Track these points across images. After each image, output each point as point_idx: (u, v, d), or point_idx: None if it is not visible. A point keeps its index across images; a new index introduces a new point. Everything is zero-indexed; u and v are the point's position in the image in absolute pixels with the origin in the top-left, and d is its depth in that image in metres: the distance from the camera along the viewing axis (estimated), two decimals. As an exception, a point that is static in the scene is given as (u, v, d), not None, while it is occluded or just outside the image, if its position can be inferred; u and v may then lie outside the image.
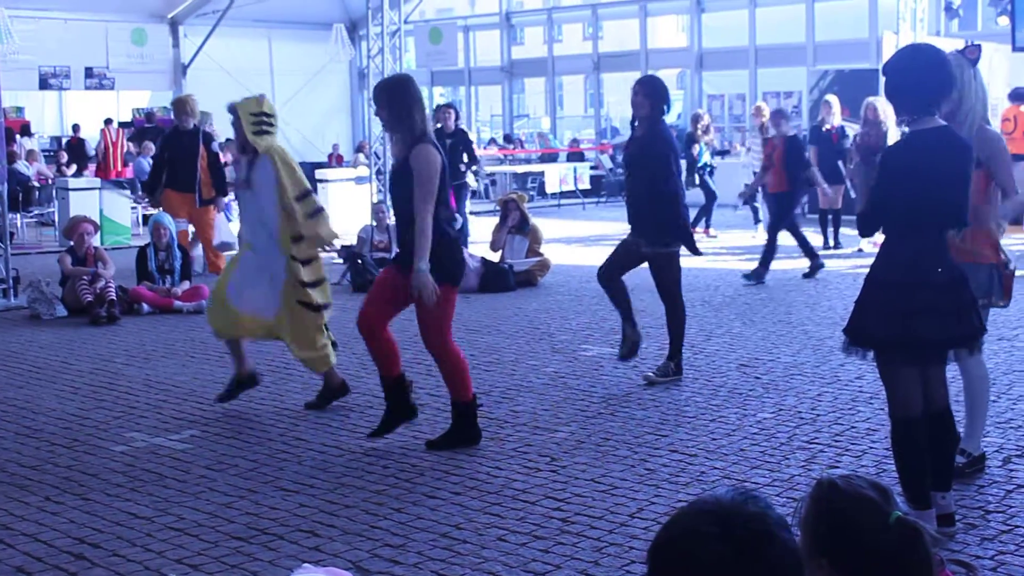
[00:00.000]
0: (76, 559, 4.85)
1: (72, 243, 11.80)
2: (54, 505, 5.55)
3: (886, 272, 4.74)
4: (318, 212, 7.29)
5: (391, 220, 12.14)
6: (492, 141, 29.36)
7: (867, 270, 4.92)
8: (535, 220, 13.82)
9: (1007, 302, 5.58)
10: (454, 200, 14.01)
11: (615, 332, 9.47)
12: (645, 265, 7.99)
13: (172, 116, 13.51)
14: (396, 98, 6.30)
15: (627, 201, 8.26)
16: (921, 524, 2.38)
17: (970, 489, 5.39)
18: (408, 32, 21.38)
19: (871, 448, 6.12)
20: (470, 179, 15.25)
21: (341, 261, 13.59)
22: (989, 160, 5.42)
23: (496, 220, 13.95)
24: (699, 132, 17.22)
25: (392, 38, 17.38)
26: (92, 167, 22.91)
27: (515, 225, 13.36)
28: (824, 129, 14.85)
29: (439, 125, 15.02)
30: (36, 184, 20.14)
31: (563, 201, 23.87)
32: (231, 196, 13.18)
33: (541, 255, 13.12)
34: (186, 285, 11.61)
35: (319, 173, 19.99)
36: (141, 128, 24.32)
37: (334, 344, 7.52)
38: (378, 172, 17.21)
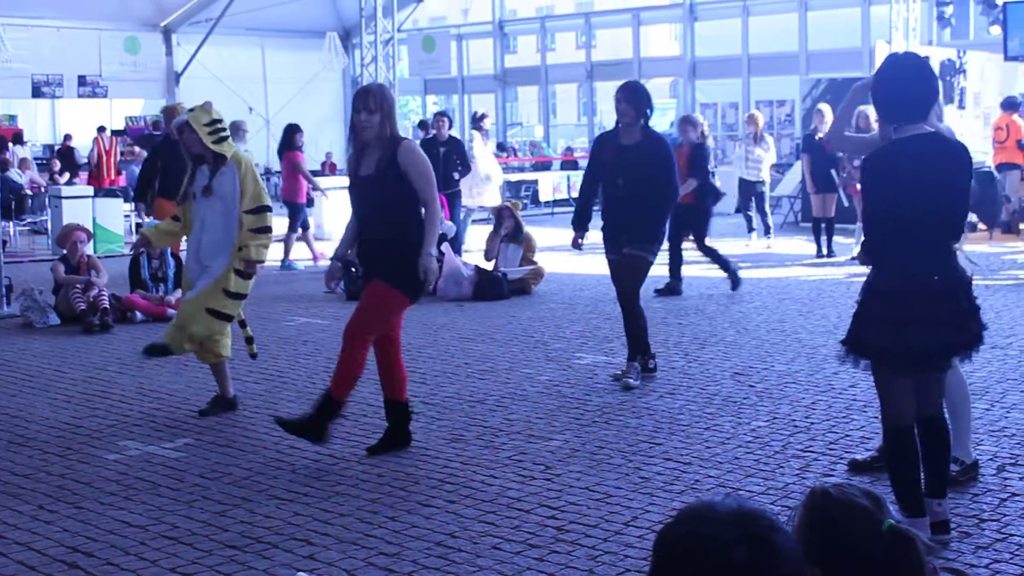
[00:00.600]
0: (70, 568, 4.84)
1: (65, 251, 11.79)
2: (47, 514, 5.54)
3: (880, 281, 4.76)
4: (265, 231, 7.26)
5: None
6: (486, 149, 29.36)
7: (862, 278, 4.93)
8: (529, 228, 13.84)
9: None
10: (448, 209, 14.05)
11: (609, 340, 9.49)
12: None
13: (163, 124, 13.53)
14: (387, 100, 6.34)
15: (615, 208, 8.08)
16: (914, 532, 2.38)
17: (964, 497, 5.39)
18: (401, 40, 21.42)
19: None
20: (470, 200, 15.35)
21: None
22: None
23: (490, 228, 13.96)
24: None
25: (385, 46, 17.43)
26: (84, 175, 22.90)
27: (509, 233, 13.36)
28: (817, 138, 14.88)
29: (433, 133, 15.06)
30: (29, 192, 20.13)
31: (557, 209, 23.90)
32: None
33: (535, 263, 13.12)
34: (179, 293, 11.57)
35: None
36: (149, 135, 24.24)
37: (250, 339, 7.67)
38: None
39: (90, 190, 18.84)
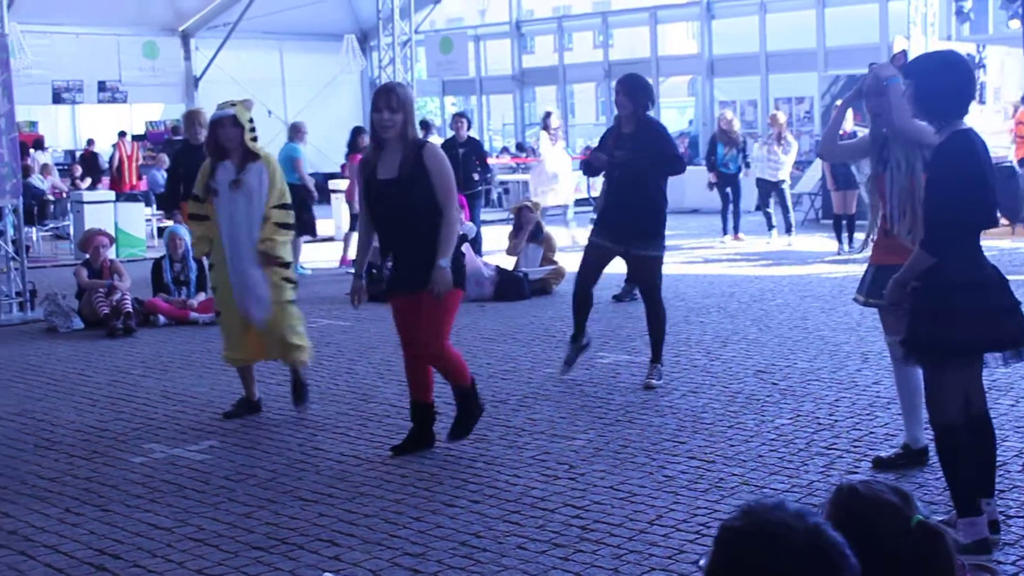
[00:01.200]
0: (97, 570, 4.87)
1: (88, 256, 11.86)
2: (74, 516, 5.57)
3: (956, 273, 4.63)
4: (288, 228, 7.33)
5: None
6: (504, 150, 29.39)
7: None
8: (548, 228, 13.84)
9: None
10: (467, 209, 14.07)
11: (631, 339, 9.48)
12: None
13: (182, 130, 13.60)
14: (409, 99, 6.30)
15: (614, 203, 8.06)
16: (943, 527, 2.37)
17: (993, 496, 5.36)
18: (419, 42, 21.47)
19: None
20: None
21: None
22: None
23: (509, 228, 13.96)
24: (734, 133, 16.99)
25: (403, 48, 17.46)
26: (106, 180, 23.01)
27: (530, 231, 13.37)
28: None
29: (452, 134, 15.09)
30: (51, 198, 20.24)
31: (576, 209, 23.83)
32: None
33: (555, 263, 13.12)
34: (202, 296, 11.64)
35: (331, 184, 20.03)
36: (169, 140, 24.35)
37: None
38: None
39: (112, 195, 18.94)
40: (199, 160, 13.33)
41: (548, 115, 16.86)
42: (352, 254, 15.50)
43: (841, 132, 15.38)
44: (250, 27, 25.53)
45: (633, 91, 7.92)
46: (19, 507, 5.74)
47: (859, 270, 13.35)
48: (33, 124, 26.74)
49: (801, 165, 21.25)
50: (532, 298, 12.22)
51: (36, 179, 20.66)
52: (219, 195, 7.25)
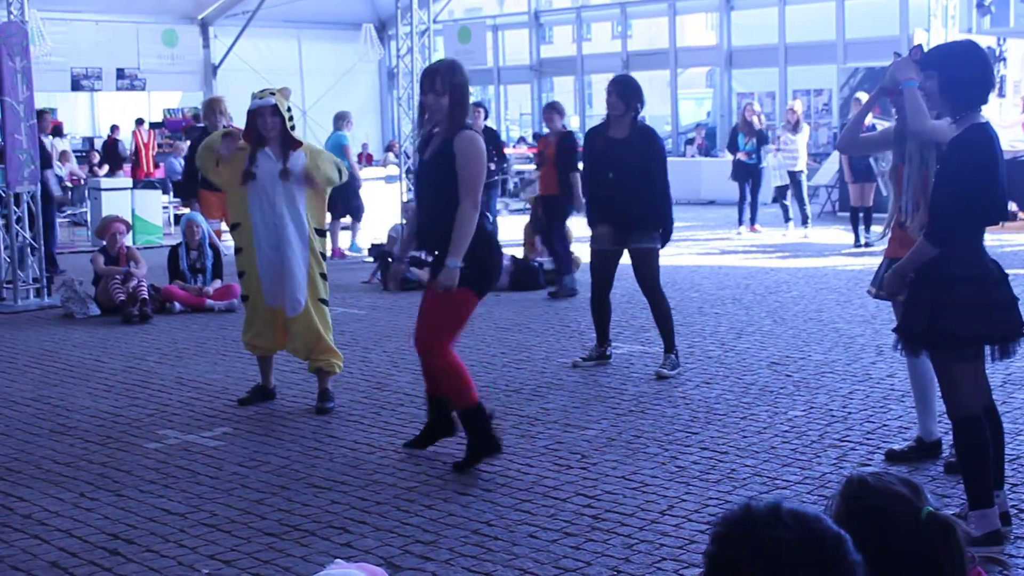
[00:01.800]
0: (111, 554, 4.89)
1: (104, 243, 11.90)
2: (88, 501, 5.60)
3: (960, 267, 4.61)
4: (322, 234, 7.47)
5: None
6: (522, 140, 29.35)
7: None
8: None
9: None
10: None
11: (645, 330, 9.48)
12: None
13: (202, 117, 13.61)
14: (459, 83, 5.97)
15: (608, 201, 8.10)
16: (954, 519, 2.36)
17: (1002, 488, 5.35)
18: (437, 32, 21.40)
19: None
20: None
21: (372, 260, 13.65)
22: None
23: (525, 219, 13.95)
24: (757, 122, 16.91)
25: (421, 38, 17.40)
26: (128, 168, 23.05)
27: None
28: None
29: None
30: (69, 184, 20.30)
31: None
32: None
33: (572, 254, 13.08)
34: (218, 284, 11.68)
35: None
36: (189, 127, 24.35)
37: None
38: (408, 171, 17.24)
39: (129, 182, 18.98)
40: (219, 147, 13.42)
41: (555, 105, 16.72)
42: (342, 244, 15.56)
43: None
44: (269, 16, 25.55)
45: (625, 92, 8.01)
46: (34, 491, 5.77)
47: (875, 263, 13.33)
48: (52, 111, 26.80)
49: (818, 157, 21.19)
50: (547, 288, 12.21)
51: (55, 166, 20.71)
52: (256, 180, 7.14)
